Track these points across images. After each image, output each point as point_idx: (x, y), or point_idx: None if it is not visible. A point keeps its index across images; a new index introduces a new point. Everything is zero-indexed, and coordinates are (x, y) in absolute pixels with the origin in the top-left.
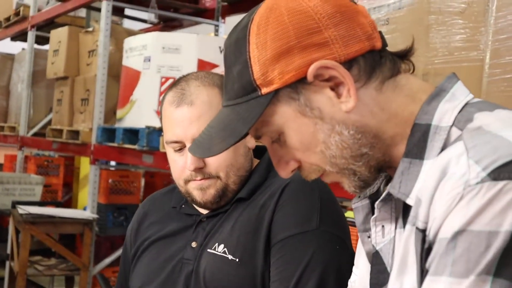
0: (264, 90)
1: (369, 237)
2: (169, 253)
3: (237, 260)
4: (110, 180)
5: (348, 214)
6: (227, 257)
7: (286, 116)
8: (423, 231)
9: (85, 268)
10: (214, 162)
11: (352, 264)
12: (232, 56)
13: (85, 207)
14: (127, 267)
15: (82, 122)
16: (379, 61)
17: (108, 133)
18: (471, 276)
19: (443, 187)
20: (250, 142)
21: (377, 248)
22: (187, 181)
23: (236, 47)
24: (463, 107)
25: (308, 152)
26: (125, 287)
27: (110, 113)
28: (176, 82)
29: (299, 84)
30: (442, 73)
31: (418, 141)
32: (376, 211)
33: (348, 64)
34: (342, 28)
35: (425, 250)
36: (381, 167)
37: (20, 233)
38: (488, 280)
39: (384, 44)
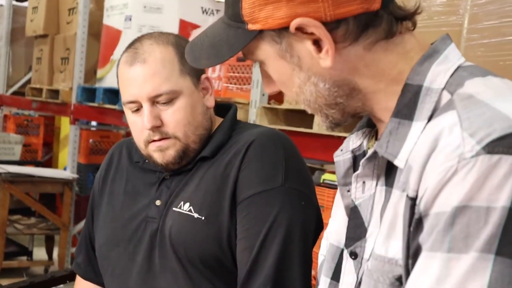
0: (250, 27)
1: (348, 191)
2: (133, 210)
3: (203, 218)
4: (90, 140)
5: (326, 176)
6: (193, 215)
7: (268, 54)
8: (413, 200)
9: (65, 228)
10: (171, 121)
11: (318, 219)
12: None
13: (66, 167)
14: (94, 216)
15: (62, 81)
16: (373, 23)
17: (88, 92)
18: (471, 252)
19: (436, 157)
20: (209, 101)
21: (356, 203)
22: (147, 143)
23: None
24: (455, 70)
25: (285, 87)
26: (92, 236)
27: (91, 73)
28: (130, 43)
29: (282, 30)
30: (421, 37)
31: (408, 102)
32: (360, 167)
33: (335, 23)
34: None
35: (415, 220)
36: (357, 113)
37: None
38: (490, 258)
39: (384, 3)
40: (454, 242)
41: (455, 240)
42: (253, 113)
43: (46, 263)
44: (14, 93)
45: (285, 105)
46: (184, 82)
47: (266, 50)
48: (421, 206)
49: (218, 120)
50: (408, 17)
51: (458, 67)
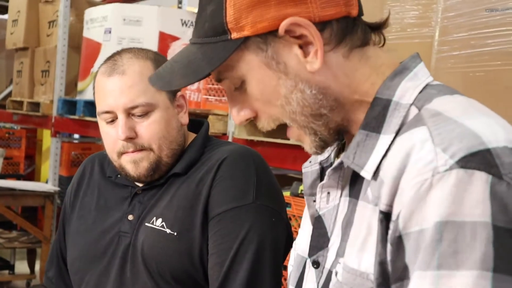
0: (234, 35)
1: (314, 201)
2: (106, 225)
3: (175, 234)
4: (72, 153)
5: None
6: (165, 231)
7: (251, 65)
8: (385, 214)
9: (46, 241)
10: (146, 133)
11: (288, 235)
12: None
13: (48, 180)
14: (65, 229)
15: (43, 94)
16: (351, 29)
17: (69, 105)
18: (464, 269)
19: (409, 172)
20: (184, 118)
21: (320, 212)
22: (120, 154)
23: None
24: (424, 87)
25: (268, 104)
26: (63, 250)
27: (71, 85)
28: (110, 56)
29: (269, 35)
30: (395, 48)
31: (377, 115)
32: (325, 178)
33: (321, 25)
34: None
35: (394, 238)
36: (340, 130)
37: None
38: (489, 276)
39: (360, 12)
40: (443, 259)
41: (444, 256)
42: (232, 125)
43: (28, 276)
44: None
45: None
46: (160, 97)
47: (251, 61)
48: (399, 223)
49: (191, 136)
50: (379, 26)
51: (426, 85)
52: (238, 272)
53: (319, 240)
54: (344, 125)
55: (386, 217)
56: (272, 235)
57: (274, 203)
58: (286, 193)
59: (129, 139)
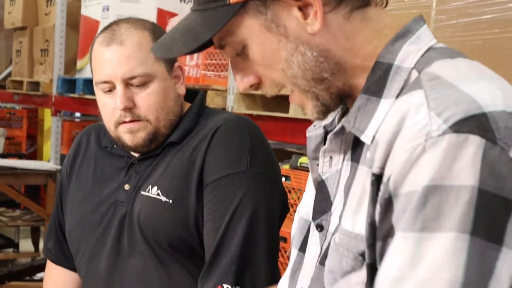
0: (233, 0)
1: (317, 165)
2: (102, 194)
3: (170, 201)
4: (73, 132)
5: (303, 159)
6: (161, 199)
7: (252, 29)
8: (377, 176)
9: (49, 219)
10: (144, 104)
11: (283, 203)
12: None
13: (50, 160)
14: (63, 201)
15: (42, 73)
16: None
17: (69, 84)
18: (443, 231)
19: (403, 136)
20: (181, 88)
21: (323, 177)
22: (117, 124)
23: None
24: (426, 51)
25: (269, 68)
26: (61, 221)
27: (71, 64)
28: (107, 25)
29: None
30: (394, 18)
31: (378, 79)
32: (327, 142)
33: None
34: None
35: (384, 200)
36: (342, 95)
37: None
38: (466, 239)
39: None
40: (426, 221)
41: (427, 219)
42: (231, 100)
43: (32, 254)
44: None
45: (262, 91)
46: (159, 68)
47: (251, 25)
48: (390, 185)
49: (186, 106)
50: None
51: (429, 48)
52: (232, 238)
53: (322, 204)
54: (346, 90)
55: (377, 179)
56: (267, 202)
57: (268, 170)
58: (286, 166)
59: (127, 109)
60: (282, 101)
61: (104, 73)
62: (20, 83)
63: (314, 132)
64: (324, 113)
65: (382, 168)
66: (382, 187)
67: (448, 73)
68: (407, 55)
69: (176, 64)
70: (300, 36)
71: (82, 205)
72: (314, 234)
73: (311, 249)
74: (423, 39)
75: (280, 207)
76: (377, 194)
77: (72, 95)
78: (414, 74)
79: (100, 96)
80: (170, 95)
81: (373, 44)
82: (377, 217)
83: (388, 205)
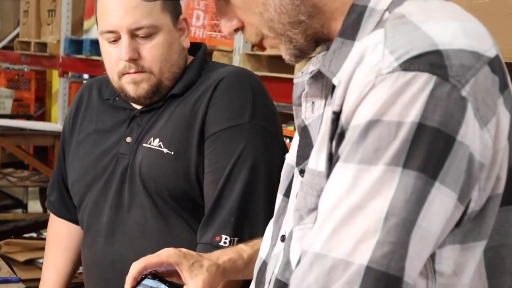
0: None
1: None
2: (104, 147)
3: (172, 153)
4: None
5: None
6: (162, 151)
7: None
8: (337, 115)
9: None
10: (149, 55)
11: (283, 156)
12: None
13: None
14: (65, 155)
15: (50, 34)
16: None
17: (76, 44)
18: (380, 164)
19: (358, 73)
20: (185, 41)
21: (306, 122)
22: (121, 75)
23: None
24: None
25: (248, 12)
26: (64, 174)
27: (78, 24)
28: None
29: None
30: None
31: (352, 22)
32: (306, 86)
33: None
34: None
35: (337, 135)
36: (319, 38)
37: None
38: (397, 171)
39: None
40: (365, 154)
41: (366, 152)
42: (237, 60)
43: (40, 215)
44: (4, 47)
45: (268, 52)
46: (164, 19)
47: None
48: (342, 120)
49: (189, 59)
50: None
51: None
52: (232, 190)
53: (305, 149)
54: (324, 33)
55: (337, 117)
56: (267, 155)
57: (269, 123)
58: (290, 128)
59: (132, 60)
60: (286, 63)
61: (109, 23)
62: (28, 44)
63: (300, 78)
64: (297, 57)
65: (340, 105)
66: (338, 123)
67: (414, 12)
68: None
69: (182, 17)
70: None
71: (84, 158)
72: (297, 179)
73: (294, 194)
74: None
75: (281, 160)
76: (335, 132)
77: (79, 56)
78: (386, 15)
79: (104, 46)
80: (175, 47)
81: None
82: (333, 152)
83: (341, 139)
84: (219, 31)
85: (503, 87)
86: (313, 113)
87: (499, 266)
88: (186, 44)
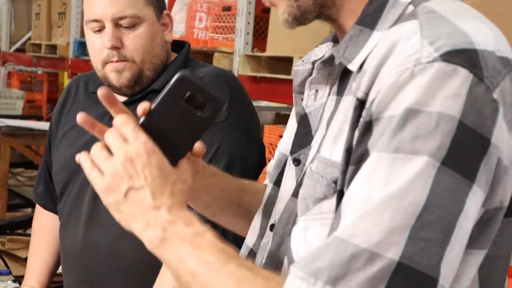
0: None
1: (302, 99)
2: (87, 138)
3: None
4: None
5: None
6: None
7: None
8: (362, 102)
9: None
10: (131, 45)
11: (261, 155)
12: None
13: None
14: (51, 147)
15: (60, 36)
16: None
17: (84, 46)
18: (419, 156)
19: (392, 61)
20: (168, 36)
21: (306, 110)
22: (104, 64)
23: None
24: None
25: None
26: (50, 167)
27: None
28: None
29: None
30: None
31: (373, 11)
32: (314, 71)
33: None
34: None
35: (364, 123)
36: (326, 8)
37: (0, 145)
38: (437, 166)
39: None
40: (402, 143)
41: (403, 141)
42: (237, 62)
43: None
44: (17, 50)
45: (267, 53)
46: (148, 11)
47: None
48: (373, 108)
49: (173, 56)
50: None
51: None
52: None
53: (303, 138)
54: (336, 4)
55: (360, 104)
56: (242, 153)
57: (245, 123)
58: None
59: (115, 48)
60: (287, 64)
61: (94, 12)
62: (39, 46)
63: (302, 66)
64: (295, 19)
65: (367, 93)
66: (364, 112)
67: (444, 9)
68: None
69: (165, 12)
70: None
71: (68, 148)
72: (290, 168)
73: (286, 183)
74: None
75: (257, 159)
76: (358, 120)
77: (87, 58)
78: (410, 8)
79: (90, 36)
80: (157, 40)
81: None
82: (354, 142)
83: (367, 129)
84: (221, 33)
85: None
86: (315, 102)
87: (492, 275)
88: (169, 38)
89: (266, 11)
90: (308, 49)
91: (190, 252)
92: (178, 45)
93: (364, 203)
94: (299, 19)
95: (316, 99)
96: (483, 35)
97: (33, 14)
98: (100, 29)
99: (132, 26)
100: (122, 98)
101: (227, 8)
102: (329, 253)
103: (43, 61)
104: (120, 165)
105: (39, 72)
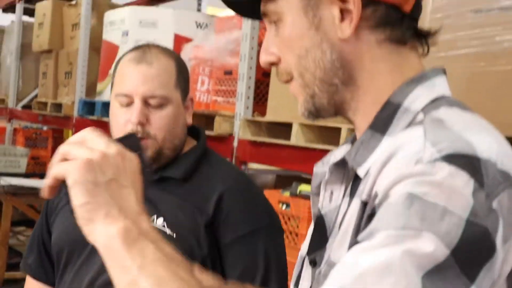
0: None
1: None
2: None
3: (174, 235)
4: None
5: (303, 187)
6: (165, 231)
7: (291, 5)
8: (366, 204)
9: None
10: (157, 123)
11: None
12: None
13: None
14: (49, 215)
15: (65, 95)
16: (395, 21)
17: (89, 106)
18: (426, 234)
19: (394, 161)
20: (189, 119)
21: (322, 212)
22: None
23: None
24: (437, 98)
25: (289, 49)
26: (45, 238)
27: (93, 87)
28: (139, 46)
29: None
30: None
31: (385, 117)
32: (327, 173)
33: (367, 1)
34: None
35: (366, 217)
36: (343, 109)
37: (2, 204)
38: (444, 252)
39: (414, 12)
40: (409, 221)
41: (410, 219)
42: (237, 126)
43: None
44: (24, 107)
45: (267, 118)
46: (176, 94)
47: (292, 1)
48: (375, 202)
49: (189, 140)
50: (426, 35)
51: (442, 97)
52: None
53: (318, 239)
54: (351, 106)
55: (364, 206)
56: (284, 252)
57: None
58: (286, 194)
59: (141, 124)
60: (284, 130)
61: (127, 87)
62: (45, 104)
63: (321, 168)
64: (312, 114)
65: (369, 194)
66: (367, 209)
67: (452, 120)
68: (417, 98)
69: (189, 96)
70: (329, 35)
71: (75, 226)
72: (307, 269)
73: (303, 285)
74: (438, 87)
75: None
76: (361, 220)
77: (91, 117)
78: (420, 116)
79: (116, 108)
80: (180, 122)
81: (392, 78)
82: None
83: (370, 219)
84: (222, 96)
85: None
86: (330, 203)
87: None
88: (189, 121)
89: (267, 75)
90: None
91: (161, 257)
92: (191, 128)
93: (361, 264)
94: (315, 114)
95: (331, 200)
96: (487, 146)
97: (40, 73)
98: (128, 104)
99: (160, 106)
100: None
101: (229, 72)
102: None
103: (49, 119)
104: (113, 154)
105: (45, 128)
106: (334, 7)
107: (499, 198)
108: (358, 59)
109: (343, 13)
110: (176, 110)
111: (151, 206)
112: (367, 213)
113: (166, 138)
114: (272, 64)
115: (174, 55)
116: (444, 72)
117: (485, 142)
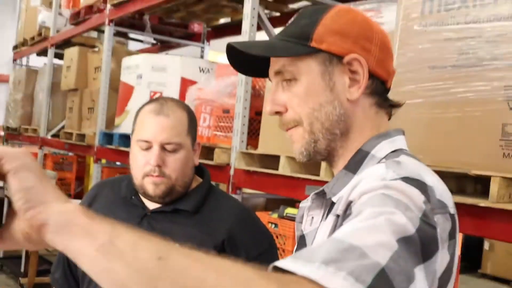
0: (313, 44)
1: (301, 222)
2: None
3: None
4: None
5: (289, 210)
6: None
7: (311, 69)
8: (338, 216)
9: None
10: (172, 165)
11: None
12: (305, 15)
13: None
14: None
15: (88, 127)
16: (382, 92)
17: (108, 137)
18: (401, 213)
19: (363, 183)
20: (196, 160)
21: (304, 232)
22: (145, 176)
23: (314, 12)
24: (397, 150)
25: (304, 103)
26: (71, 260)
27: (112, 120)
28: (156, 99)
29: (336, 58)
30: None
31: (357, 161)
32: (309, 200)
33: (370, 74)
34: (383, 54)
35: (338, 224)
36: (331, 155)
37: None
38: (412, 230)
39: (390, 87)
40: (386, 205)
41: (387, 204)
42: (233, 157)
43: None
44: (53, 136)
45: (259, 150)
46: (187, 140)
47: (313, 67)
48: (352, 205)
49: (195, 177)
50: (395, 105)
51: (400, 149)
52: None
53: None
54: (338, 153)
55: (338, 217)
56: None
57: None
58: (274, 215)
59: (158, 166)
60: (273, 161)
61: (147, 135)
62: (71, 134)
63: (306, 203)
64: (308, 156)
65: (343, 210)
66: (339, 220)
67: (407, 162)
68: (381, 148)
69: (197, 141)
70: (340, 96)
71: None
72: None
73: None
74: (397, 142)
75: None
76: (335, 227)
77: (110, 146)
78: (383, 160)
79: (136, 151)
80: (190, 163)
81: (371, 133)
82: None
83: (344, 220)
84: (221, 131)
85: (452, 236)
86: (311, 226)
87: None
88: (196, 162)
89: (259, 114)
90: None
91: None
92: (197, 168)
93: (356, 227)
94: (311, 156)
95: (312, 223)
96: (432, 181)
97: (67, 108)
98: (148, 148)
99: (174, 151)
100: (153, 206)
101: (227, 111)
102: (326, 246)
103: (74, 147)
104: (28, 154)
105: (70, 154)
106: (345, 75)
107: (437, 217)
108: (355, 116)
109: (351, 81)
110: (187, 153)
111: (164, 237)
112: (341, 221)
113: (179, 178)
114: (277, 113)
115: (186, 107)
116: (403, 132)
117: (431, 178)
